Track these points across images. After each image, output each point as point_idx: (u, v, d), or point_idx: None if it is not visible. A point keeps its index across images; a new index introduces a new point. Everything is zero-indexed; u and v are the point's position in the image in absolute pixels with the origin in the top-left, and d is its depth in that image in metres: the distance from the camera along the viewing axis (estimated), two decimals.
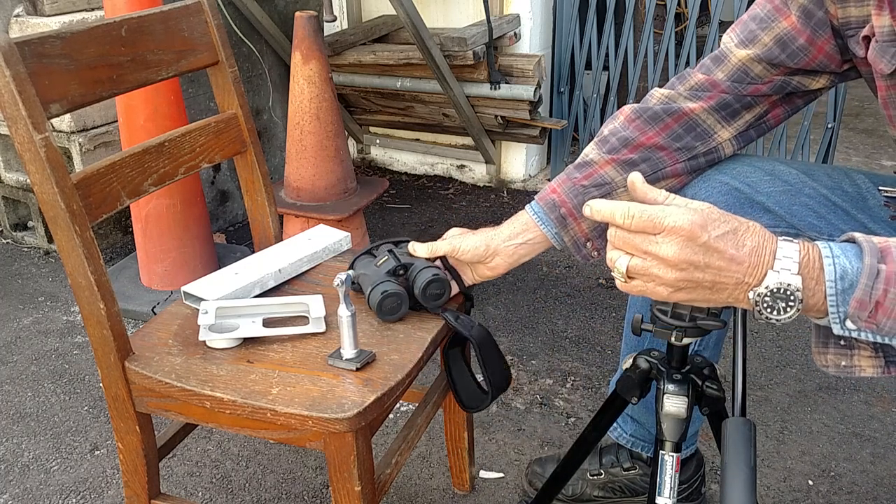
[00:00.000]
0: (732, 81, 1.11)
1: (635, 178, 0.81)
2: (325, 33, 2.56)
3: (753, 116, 1.14)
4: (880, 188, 1.14)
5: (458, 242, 1.19)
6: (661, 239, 0.75)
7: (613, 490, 1.48)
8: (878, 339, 0.76)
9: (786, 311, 0.75)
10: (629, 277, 0.80)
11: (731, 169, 1.15)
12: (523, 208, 1.20)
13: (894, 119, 1.02)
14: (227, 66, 1.32)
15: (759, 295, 0.75)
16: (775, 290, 0.75)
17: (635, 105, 1.16)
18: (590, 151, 1.17)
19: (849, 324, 0.75)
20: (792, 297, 0.75)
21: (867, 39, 0.99)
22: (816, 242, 0.77)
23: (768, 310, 0.76)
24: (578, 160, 1.17)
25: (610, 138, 1.16)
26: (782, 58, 1.07)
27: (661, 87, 1.18)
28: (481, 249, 1.18)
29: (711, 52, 1.20)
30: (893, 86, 0.99)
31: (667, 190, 0.81)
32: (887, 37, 0.96)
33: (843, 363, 0.80)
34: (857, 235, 0.77)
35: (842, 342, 0.79)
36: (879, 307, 0.73)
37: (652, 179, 1.14)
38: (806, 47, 1.06)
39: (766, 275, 0.75)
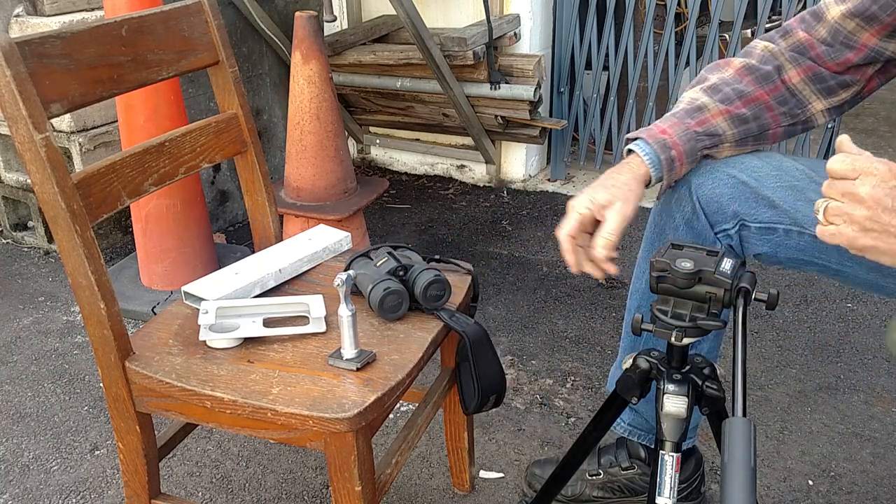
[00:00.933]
0: (827, 45, 1.10)
1: (843, 139, 0.85)
2: (325, 33, 2.56)
3: (850, 94, 1.14)
4: None
5: (623, 213, 1.05)
6: (858, 181, 0.81)
7: (612, 490, 1.48)
8: None
9: None
10: (828, 222, 0.85)
11: (739, 162, 1.14)
12: (633, 152, 1.10)
13: None
14: (227, 66, 1.32)
15: None
16: None
17: (744, 60, 1.14)
18: (700, 96, 1.11)
19: None
20: None
21: None
22: None
23: None
24: (686, 105, 1.11)
25: (723, 87, 1.12)
26: (874, 9, 1.06)
27: (760, 40, 1.16)
28: (633, 209, 1.07)
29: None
30: None
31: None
32: None
33: None
34: None
35: None
36: None
37: (758, 139, 1.14)
38: None
39: None
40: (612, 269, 1.05)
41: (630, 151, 1.12)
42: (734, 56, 1.18)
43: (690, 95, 1.13)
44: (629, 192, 1.06)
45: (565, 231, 1.06)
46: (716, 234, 1.16)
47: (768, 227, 1.13)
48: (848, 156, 0.83)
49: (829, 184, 0.85)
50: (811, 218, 1.10)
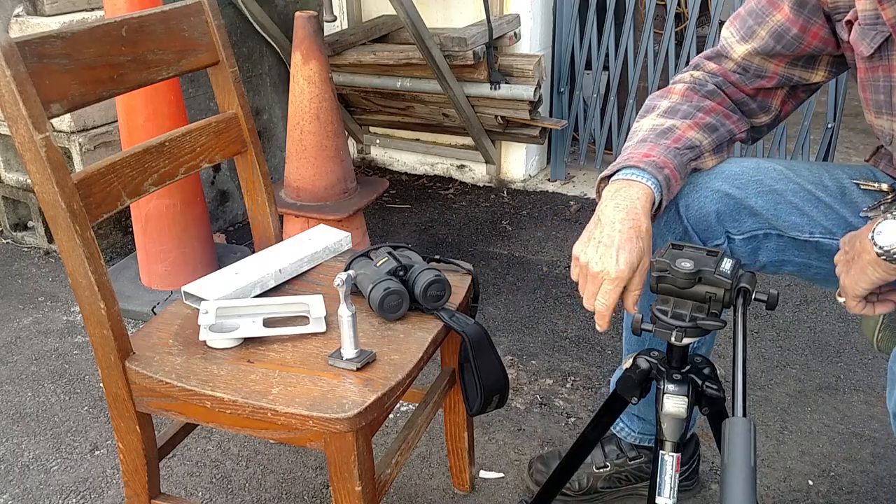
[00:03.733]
0: (740, 74, 1.16)
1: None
2: (325, 33, 2.55)
3: (770, 119, 1.21)
4: (855, 181, 1.17)
5: (646, 267, 1.03)
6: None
7: (619, 480, 1.49)
8: None
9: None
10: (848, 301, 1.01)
11: (720, 173, 1.16)
12: (622, 179, 1.06)
13: (870, 103, 1.07)
14: (227, 66, 1.32)
15: (878, 225, 0.92)
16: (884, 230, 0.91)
17: (684, 84, 1.18)
18: (662, 121, 1.12)
19: None
20: None
21: (850, 24, 1.04)
22: None
23: (889, 253, 0.91)
24: (651, 131, 1.10)
25: (679, 107, 1.14)
26: (778, 48, 1.12)
27: (680, 74, 1.21)
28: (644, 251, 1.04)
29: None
30: (872, 68, 1.04)
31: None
32: (869, 20, 1.00)
33: None
34: None
35: None
36: None
37: (731, 145, 1.18)
38: (800, 36, 1.10)
39: (874, 227, 0.92)
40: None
41: (607, 180, 1.09)
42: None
43: (651, 123, 1.12)
44: (648, 235, 1.03)
45: (610, 303, 1.01)
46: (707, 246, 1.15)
47: (751, 235, 1.16)
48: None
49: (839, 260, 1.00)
50: (790, 222, 1.14)
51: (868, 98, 1.07)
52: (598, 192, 1.11)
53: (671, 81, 1.22)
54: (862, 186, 1.17)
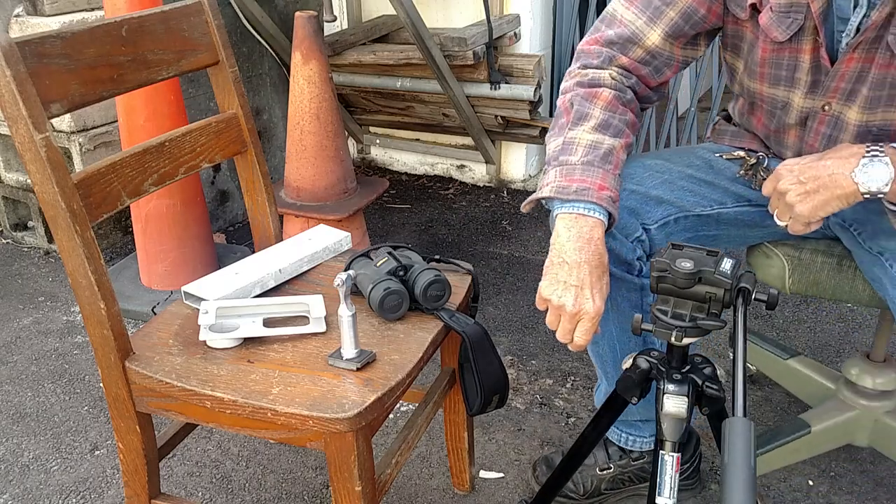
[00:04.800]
0: (647, 65, 1.23)
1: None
2: (325, 33, 2.55)
3: (657, 101, 1.33)
4: (720, 155, 1.34)
5: (606, 295, 1.11)
6: (778, 185, 1.09)
7: (623, 482, 1.49)
8: None
9: (879, 181, 1.02)
10: (785, 221, 1.10)
11: (626, 175, 1.25)
12: (578, 214, 1.11)
13: (766, 76, 1.19)
14: (227, 66, 1.32)
15: (862, 172, 1.02)
16: (867, 165, 1.02)
17: (609, 91, 1.20)
18: (602, 139, 1.16)
19: None
20: (879, 170, 1.02)
21: (753, 7, 1.15)
22: (893, 145, 1.03)
23: (868, 182, 1.02)
24: (595, 151, 1.15)
25: (611, 121, 1.18)
26: (686, 29, 1.21)
27: (594, 66, 1.24)
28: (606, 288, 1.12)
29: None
30: (779, 49, 1.15)
31: None
32: (783, 7, 1.11)
33: None
34: None
35: None
36: None
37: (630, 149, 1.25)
38: (705, 17, 1.20)
39: (859, 162, 1.03)
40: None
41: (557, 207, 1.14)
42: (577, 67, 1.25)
43: (589, 138, 1.16)
44: (608, 266, 1.11)
45: (590, 337, 1.10)
46: (632, 242, 1.23)
47: (664, 222, 1.26)
48: (767, 181, 1.11)
49: (771, 201, 1.12)
50: (689, 200, 1.27)
51: (766, 72, 1.19)
52: (531, 205, 1.18)
53: (585, 74, 1.22)
54: (725, 157, 1.33)
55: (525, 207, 1.18)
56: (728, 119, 1.43)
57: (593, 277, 1.08)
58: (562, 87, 1.26)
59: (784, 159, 1.22)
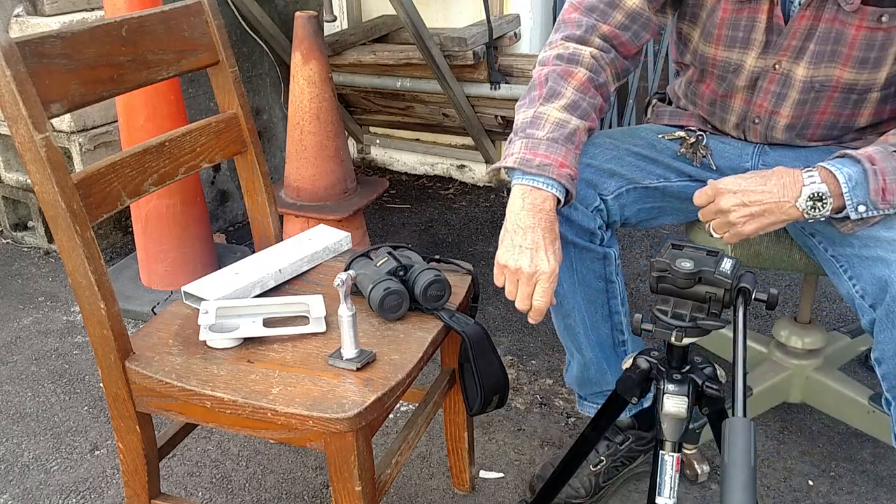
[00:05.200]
0: (627, 30, 1.27)
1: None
2: (325, 33, 2.55)
3: (628, 75, 1.37)
4: (661, 136, 1.41)
5: (559, 258, 1.16)
6: (717, 200, 1.16)
7: (616, 468, 1.52)
8: (890, 212, 1.13)
9: (823, 207, 1.11)
10: (721, 235, 1.18)
11: (584, 152, 1.32)
12: (535, 188, 1.16)
13: (723, 38, 1.27)
14: (227, 66, 1.32)
15: (805, 201, 1.11)
16: (813, 195, 1.11)
17: (585, 72, 1.24)
18: (568, 118, 1.20)
19: (861, 209, 1.11)
20: (824, 198, 1.11)
21: None
22: (823, 164, 1.12)
23: (813, 210, 1.12)
24: (560, 129, 1.19)
25: (580, 103, 1.22)
26: None
27: (576, 38, 1.27)
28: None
29: None
30: (739, 10, 1.23)
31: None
32: None
33: (853, 226, 1.16)
34: (847, 151, 1.13)
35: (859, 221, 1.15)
36: (885, 192, 1.10)
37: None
38: None
39: (801, 191, 1.11)
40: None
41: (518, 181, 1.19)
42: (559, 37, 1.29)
43: (557, 116, 1.20)
44: (558, 234, 1.17)
45: (549, 298, 1.14)
46: (591, 212, 1.31)
47: (618, 192, 1.34)
48: (703, 189, 1.17)
49: (703, 212, 1.18)
50: (636, 174, 1.35)
51: (723, 34, 1.27)
52: (496, 171, 1.27)
53: (566, 48, 1.26)
54: (667, 138, 1.41)
55: (488, 174, 1.25)
56: (663, 100, 1.54)
57: (546, 241, 1.14)
58: (540, 57, 1.29)
59: (727, 127, 1.39)
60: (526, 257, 1.13)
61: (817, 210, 1.12)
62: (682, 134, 1.40)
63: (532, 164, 1.16)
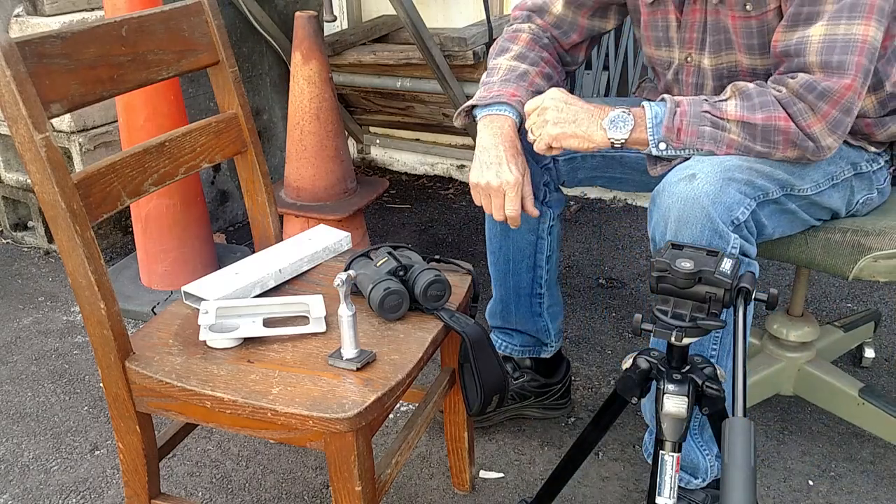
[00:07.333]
0: (558, 28, 1.46)
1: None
2: (325, 33, 2.55)
3: (578, 66, 1.54)
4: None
5: (525, 172, 1.32)
6: (543, 105, 1.27)
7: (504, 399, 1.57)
8: (683, 153, 1.22)
9: (624, 127, 1.21)
10: (535, 137, 1.27)
11: None
12: (493, 114, 1.34)
13: (651, 39, 1.40)
14: (227, 66, 1.32)
15: (609, 122, 1.21)
16: (615, 117, 1.21)
17: (528, 34, 1.45)
18: (518, 64, 1.40)
19: (661, 146, 1.21)
20: (625, 119, 1.21)
21: None
22: (641, 103, 1.22)
23: (613, 129, 1.21)
24: (512, 72, 1.39)
25: (528, 54, 1.42)
26: (583, 0, 1.43)
27: (517, 23, 1.48)
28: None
29: None
30: (653, 13, 1.36)
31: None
32: None
33: (660, 169, 1.26)
34: (665, 95, 1.22)
35: (662, 160, 1.26)
36: (681, 132, 1.19)
37: (553, 84, 1.43)
38: None
39: (608, 113, 1.22)
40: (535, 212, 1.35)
41: (470, 111, 1.39)
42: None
43: (508, 63, 1.40)
44: (521, 150, 1.33)
45: (518, 206, 1.31)
46: (542, 168, 1.46)
47: (571, 156, 1.46)
48: (533, 100, 1.29)
49: (529, 118, 1.29)
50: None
51: (650, 35, 1.39)
52: (461, 117, 1.42)
53: (510, 28, 1.48)
54: None
55: (455, 120, 1.43)
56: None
57: (508, 154, 1.30)
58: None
59: None
60: (491, 171, 1.30)
61: (617, 129, 1.21)
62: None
63: (487, 98, 1.35)
